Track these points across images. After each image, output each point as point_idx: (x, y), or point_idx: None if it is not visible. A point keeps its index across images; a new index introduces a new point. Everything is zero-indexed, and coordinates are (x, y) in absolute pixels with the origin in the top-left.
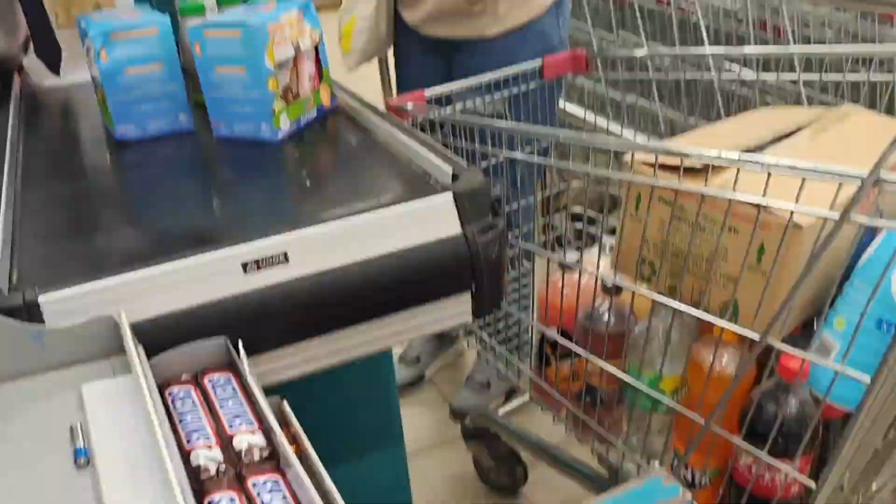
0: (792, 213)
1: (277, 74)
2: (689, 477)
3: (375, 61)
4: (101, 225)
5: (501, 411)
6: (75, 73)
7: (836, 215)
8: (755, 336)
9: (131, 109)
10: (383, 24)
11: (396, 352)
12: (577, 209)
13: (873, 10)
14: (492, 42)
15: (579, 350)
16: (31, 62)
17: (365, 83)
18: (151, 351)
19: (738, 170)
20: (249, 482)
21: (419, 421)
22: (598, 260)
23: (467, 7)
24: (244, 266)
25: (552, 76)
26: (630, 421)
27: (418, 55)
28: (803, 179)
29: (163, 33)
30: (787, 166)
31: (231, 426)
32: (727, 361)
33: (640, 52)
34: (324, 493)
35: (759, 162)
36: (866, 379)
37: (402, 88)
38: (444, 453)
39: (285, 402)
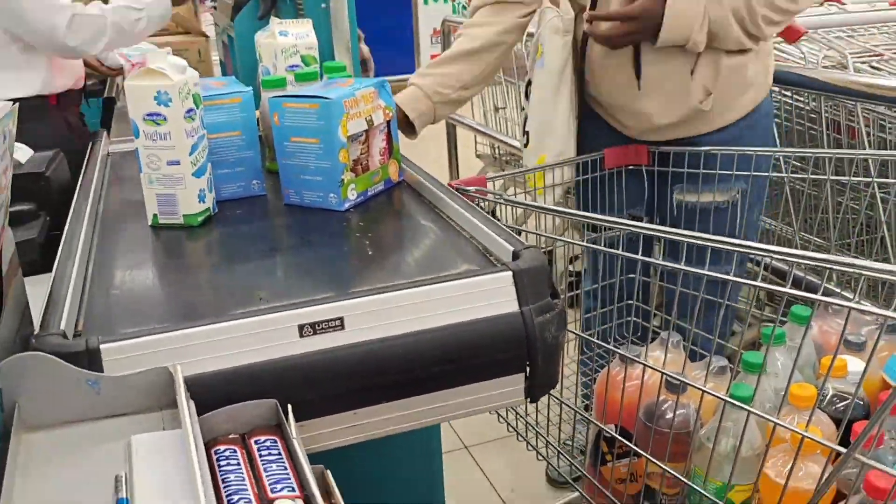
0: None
1: (349, 147)
2: None
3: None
4: (168, 282)
5: None
6: None
7: None
8: (840, 449)
9: None
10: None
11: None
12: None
13: None
14: (723, 130)
15: (639, 450)
16: (119, 125)
17: (437, 166)
18: (202, 406)
19: None
20: None
21: None
22: (665, 355)
23: (699, 107)
24: (300, 329)
25: (613, 166)
26: None
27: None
28: None
29: (245, 102)
30: (882, 270)
31: (273, 490)
32: (805, 474)
33: (706, 149)
34: None
35: (852, 263)
36: None
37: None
38: None
39: (328, 472)
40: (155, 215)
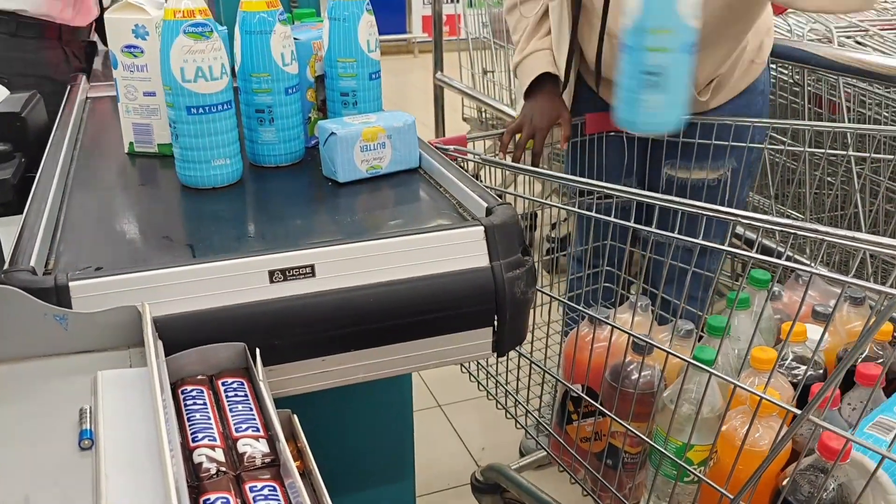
0: None
1: (317, 87)
2: None
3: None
4: (140, 225)
5: (515, 465)
6: None
7: None
8: (796, 410)
9: None
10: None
11: None
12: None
13: None
14: (717, 109)
15: (604, 409)
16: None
17: (424, 127)
18: (170, 347)
19: None
20: (247, 486)
21: None
22: (633, 318)
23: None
24: (271, 274)
25: (593, 132)
26: (652, 488)
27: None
28: None
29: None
30: (845, 236)
31: (237, 430)
32: (762, 435)
33: (686, 119)
34: None
35: (815, 229)
36: None
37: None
38: None
39: (295, 416)
40: (131, 143)
